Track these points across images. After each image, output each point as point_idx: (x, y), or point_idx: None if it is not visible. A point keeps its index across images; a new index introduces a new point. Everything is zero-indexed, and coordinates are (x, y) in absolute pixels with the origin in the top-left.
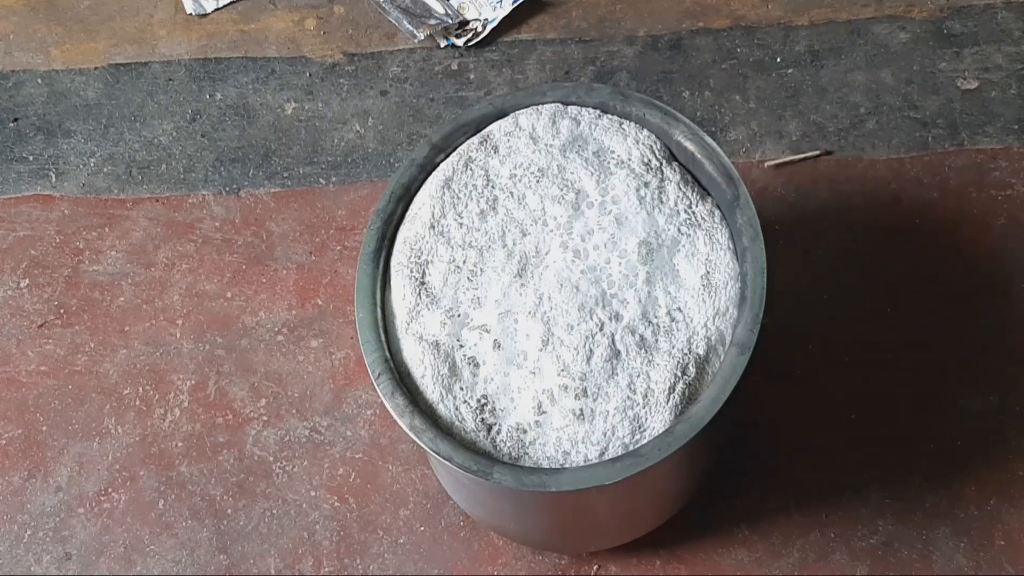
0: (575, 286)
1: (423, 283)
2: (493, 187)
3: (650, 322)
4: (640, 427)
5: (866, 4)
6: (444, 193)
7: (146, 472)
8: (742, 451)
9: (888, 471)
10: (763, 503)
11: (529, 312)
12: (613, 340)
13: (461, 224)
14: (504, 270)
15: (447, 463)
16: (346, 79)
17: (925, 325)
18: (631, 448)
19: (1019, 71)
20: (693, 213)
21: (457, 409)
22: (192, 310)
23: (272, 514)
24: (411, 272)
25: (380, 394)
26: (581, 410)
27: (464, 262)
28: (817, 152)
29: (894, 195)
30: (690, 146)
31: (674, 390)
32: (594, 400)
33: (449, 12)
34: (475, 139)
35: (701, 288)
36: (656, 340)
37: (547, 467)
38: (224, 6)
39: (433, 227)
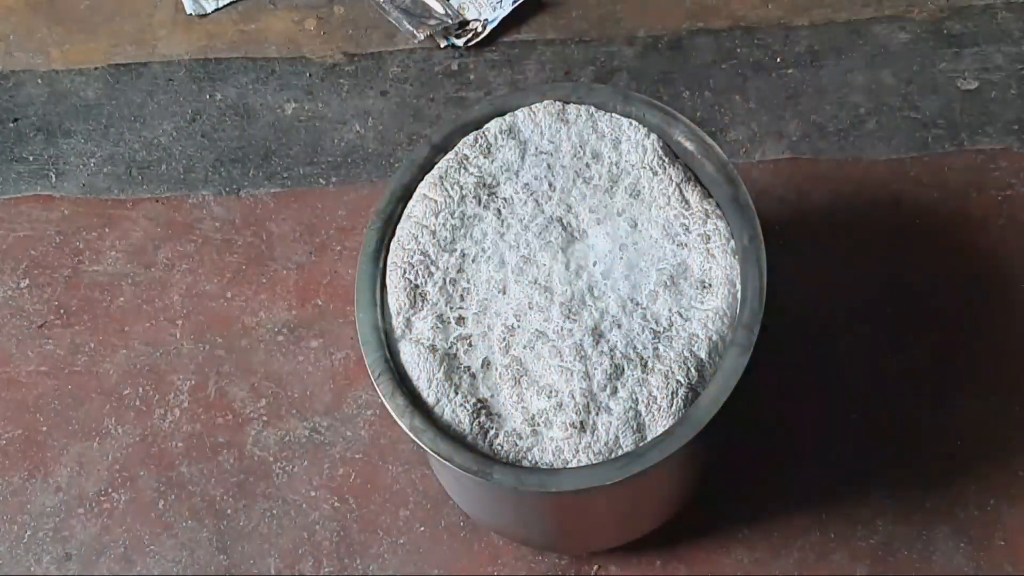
0: (572, 292)
1: (416, 285)
2: (487, 186)
3: (651, 329)
4: (643, 436)
5: (866, 4)
6: (437, 192)
7: (146, 472)
8: (742, 451)
9: (888, 471)
10: (763, 503)
11: (523, 323)
12: (613, 354)
13: (453, 224)
14: (497, 273)
15: (447, 463)
16: (346, 79)
17: (925, 325)
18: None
19: (1019, 71)
20: (694, 213)
21: (455, 412)
22: (192, 310)
23: (272, 514)
24: (404, 273)
25: (380, 394)
26: (582, 423)
27: (453, 265)
28: None
29: (894, 196)
30: (690, 146)
31: (676, 395)
32: (596, 414)
33: (449, 12)
34: (470, 137)
35: (701, 289)
36: (657, 347)
37: (547, 468)
38: (224, 6)
39: (425, 227)
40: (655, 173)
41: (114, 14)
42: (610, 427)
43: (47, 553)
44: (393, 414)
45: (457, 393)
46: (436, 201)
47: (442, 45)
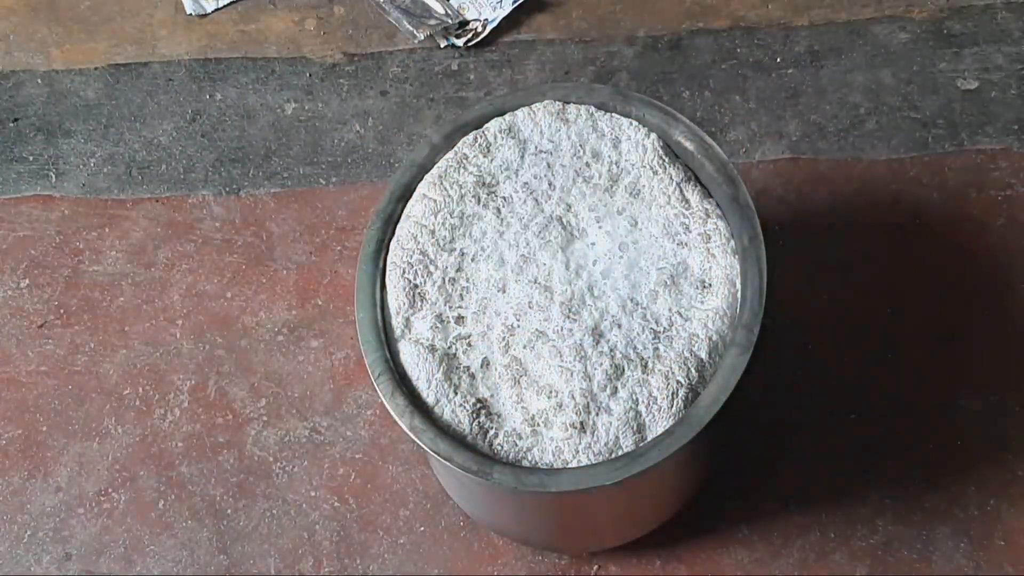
0: (572, 291)
1: (415, 284)
2: (486, 185)
3: (651, 329)
4: (643, 436)
5: (866, 4)
6: (436, 191)
7: (146, 472)
8: (742, 451)
9: (888, 471)
10: (763, 503)
11: (523, 323)
12: (613, 354)
13: (453, 224)
14: (496, 272)
15: (447, 463)
16: (346, 79)
17: (925, 325)
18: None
19: (1019, 71)
20: (694, 213)
21: (454, 412)
22: (192, 310)
23: (272, 514)
24: (403, 272)
25: (380, 394)
26: (582, 423)
27: (452, 264)
28: None
29: (894, 195)
30: (690, 146)
31: (676, 395)
32: (596, 415)
33: (449, 12)
34: (469, 137)
35: (701, 289)
36: (657, 347)
37: (547, 468)
38: (224, 6)
39: (424, 226)
40: (655, 172)
41: (114, 14)
42: (610, 427)
43: (47, 553)
44: (393, 414)
45: (457, 393)
46: (435, 200)
47: (442, 45)
